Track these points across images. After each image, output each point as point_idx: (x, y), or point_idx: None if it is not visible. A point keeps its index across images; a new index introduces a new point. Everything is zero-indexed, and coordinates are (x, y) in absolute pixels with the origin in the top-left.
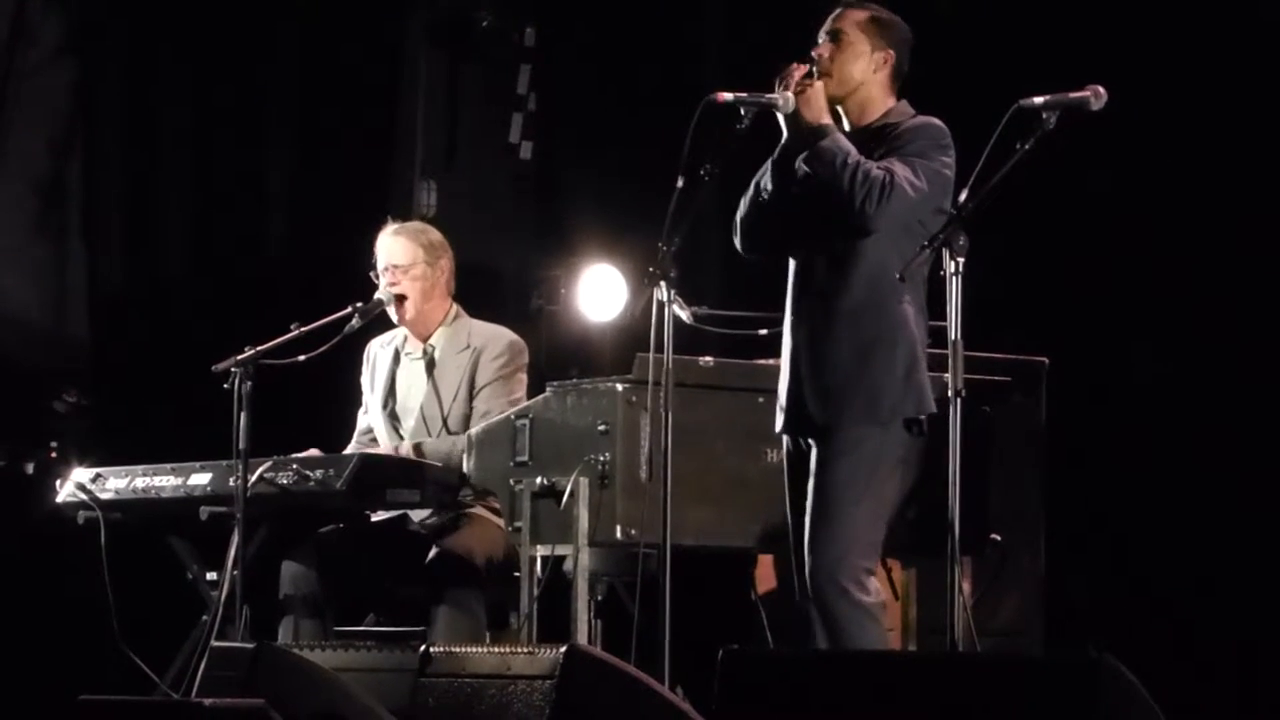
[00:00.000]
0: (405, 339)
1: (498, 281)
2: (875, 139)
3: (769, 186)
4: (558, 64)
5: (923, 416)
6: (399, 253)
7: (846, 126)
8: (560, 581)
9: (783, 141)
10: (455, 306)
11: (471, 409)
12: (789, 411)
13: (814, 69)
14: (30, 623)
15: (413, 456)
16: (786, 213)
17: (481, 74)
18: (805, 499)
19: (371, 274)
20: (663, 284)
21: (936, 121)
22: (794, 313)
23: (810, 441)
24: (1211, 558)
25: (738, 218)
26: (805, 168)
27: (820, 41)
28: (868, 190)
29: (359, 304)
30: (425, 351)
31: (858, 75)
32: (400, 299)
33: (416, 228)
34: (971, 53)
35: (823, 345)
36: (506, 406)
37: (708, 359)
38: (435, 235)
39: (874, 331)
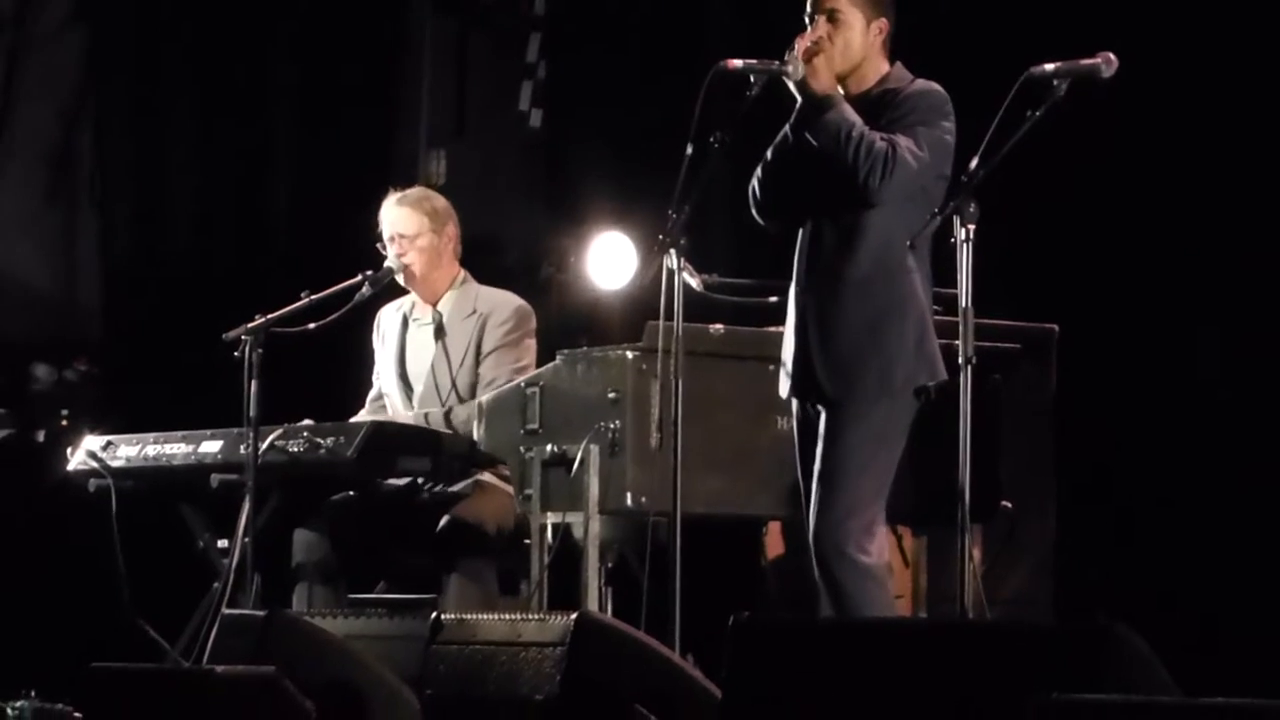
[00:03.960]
0: (414, 305)
1: (507, 250)
2: (876, 105)
3: (785, 153)
4: (568, 31)
5: (932, 384)
6: (404, 222)
7: (839, 93)
8: (570, 549)
9: (797, 109)
10: (463, 272)
11: (478, 375)
12: (797, 377)
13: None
14: (41, 591)
15: (441, 426)
16: (800, 180)
17: (490, 42)
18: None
19: (378, 245)
20: (673, 252)
21: (936, 86)
22: (801, 282)
23: (819, 407)
24: (1222, 525)
25: (753, 186)
26: (811, 139)
27: (815, 22)
28: (871, 163)
29: (369, 272)
30: (433, 318)
31: (858, 51)
32: (408, 267)
33: (420, 195)
34: (982, 19)
35: (832, 317)
36: (512, 373)
37: (718, 327)
38: (440, 202)
39: (883, 303)
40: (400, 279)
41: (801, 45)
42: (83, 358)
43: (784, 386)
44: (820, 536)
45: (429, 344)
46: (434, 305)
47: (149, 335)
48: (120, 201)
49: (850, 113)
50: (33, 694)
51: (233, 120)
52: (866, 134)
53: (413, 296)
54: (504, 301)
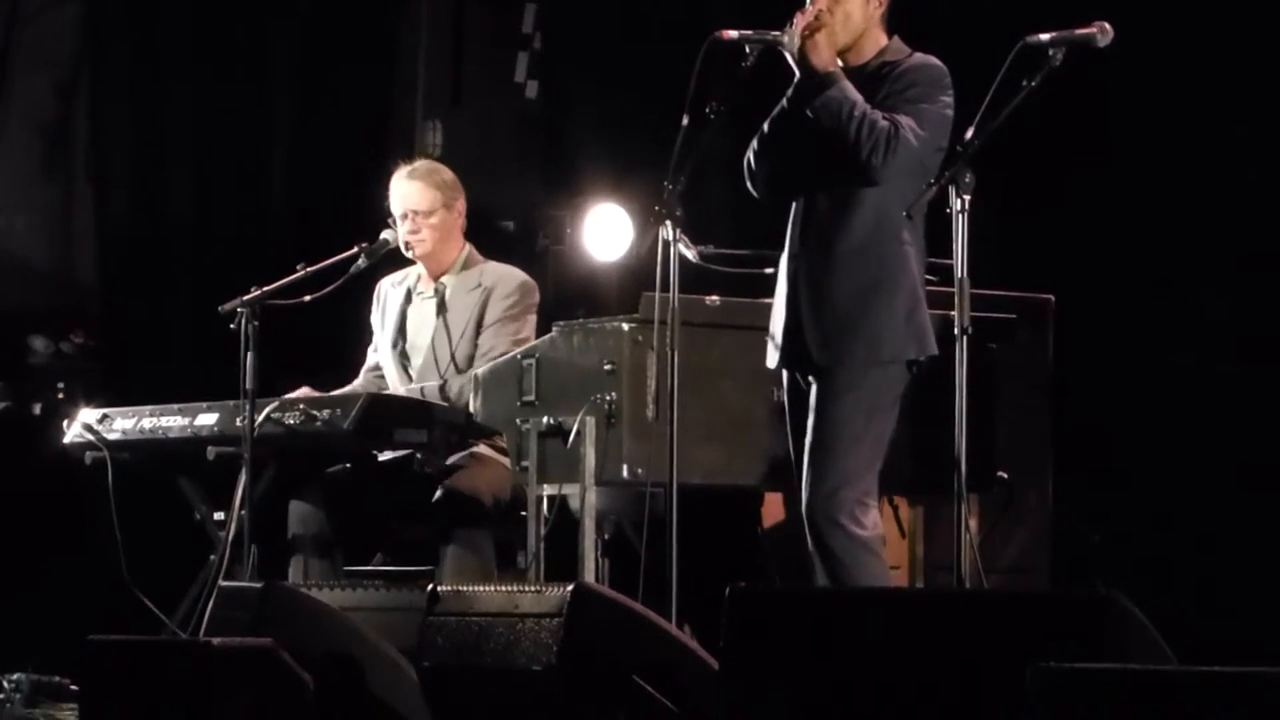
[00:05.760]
0: (418, 278)
1: (504, 221)
2: (874, 79)
3: (780, 126)
4: (563, 2)
5: (924, 358)
6: (418, 197)
7: (839, 69)
8: (567, 521)
9: (794, 82)
10: (469, 247)
11: (477, 346)
12: (787, 347)
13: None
14: (38, 563)
15: (436, 399)
16: (795, 153)
17: (486, 13)
18: (805, 434)
19: (389, 220)
20: (668, 223)
21: (935, 61)
22: (793, 251)
23: (810, 378)
24: (1219, 494)
25: (748, 158)
26: (812, 115)
27: None
28: (874, 142)
29: (365, 244)
30: (437, 291)
31: (858, 24)
32: (417, 245)
33: (430, 168)
34: None
35: (822, 287)
36: (511, 345)
37: (714, 298)
38: (449, 175)
39: (875, 274)
40: (407, 253)
41: (801, 21)
42: (79, 331)
43: (772, 357)
44: (813, 507)
45: (430, 318)
46: (438, 279)
47: (146, 308)
48: (117, 174)
49: (851, 90)
50: (29, 667)
51: (229, 92)
52: (869, 112)
53: (418, 269)
54: (508, 275)
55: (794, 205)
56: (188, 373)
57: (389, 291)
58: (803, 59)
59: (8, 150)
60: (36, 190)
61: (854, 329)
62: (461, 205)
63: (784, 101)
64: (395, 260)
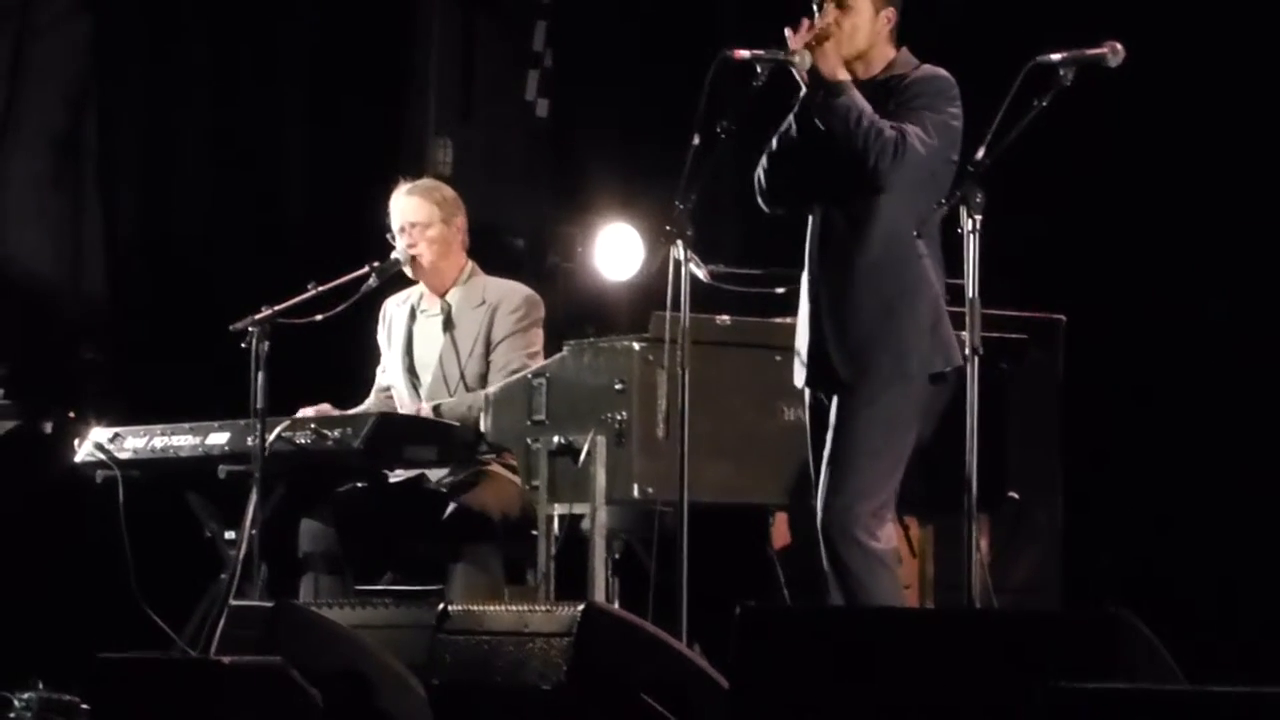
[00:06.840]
0: (421, 297)
1: (513, 238)
2: (883, 91)
3: (790, 140)
4: (574, 20)
5: (948, 369)
6: (415, 211)
7: (849, 79)
8: (578, 537)
9: (802, 95)
10: (470, 263)
11: (488, 365)
12: (812, 366)
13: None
14: (49, 581)
15: (431, 417)
16: (806, 167)
17: (497, 30)
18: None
19: (388, 235)
20: (679, 242)
21: (942, 72)
22: (813, 269)
23: (833, 396)
24: (1229, 512)
25: (759, 174)
26: (821, 124)
27: (824, 9)
28: (880, 148)
29: (376, 263)
30: (442, 309)
31: (865, 38)
32: (417, 258)
33: (430, 185)
34: (989, 6)
35: (844, 303)
36: (525, 359)
37: (724, 317)
38: (449, 192)
39: (896, 288)
40: (409, 271)
41: (799, 37)
42: (88, 345)
43: (799, 376)
44: (829, 520)
45: (437, 335)
46: (442, 296)
47: (155, 321)
48: (126, 188)
49: (860, 99)
50: (40, 685)
51: (239, 107)
52: (876, 121)
53: (420, 288)
54: (512, 291)
55: (809, 222)
56: (198, 386)
57: (394, 311)
58: (813, 70)
59: (17, 164)
60: (46, 203)
61: (879, 344)
62: (461, 222)
63: (792, 115)
64: (407, 278)
